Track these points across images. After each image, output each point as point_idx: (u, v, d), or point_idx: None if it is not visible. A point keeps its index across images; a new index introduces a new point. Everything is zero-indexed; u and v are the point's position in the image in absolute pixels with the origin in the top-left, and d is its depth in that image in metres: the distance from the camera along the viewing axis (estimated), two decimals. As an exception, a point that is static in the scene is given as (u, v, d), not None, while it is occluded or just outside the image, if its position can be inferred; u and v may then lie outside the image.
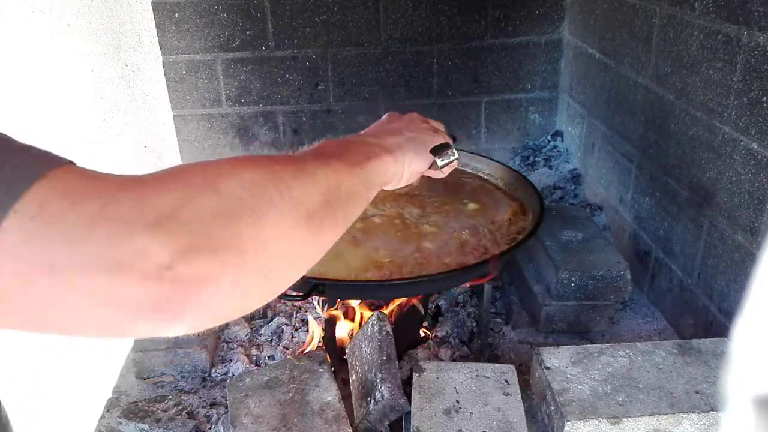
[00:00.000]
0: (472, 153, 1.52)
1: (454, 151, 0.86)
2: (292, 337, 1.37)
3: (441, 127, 0.92)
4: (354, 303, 1.32)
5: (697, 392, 0.98)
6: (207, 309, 0.43)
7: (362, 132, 0.82)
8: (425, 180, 0.93)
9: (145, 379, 1.27)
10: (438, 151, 0.84)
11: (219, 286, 0.43)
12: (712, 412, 0.94)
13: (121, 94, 1.92)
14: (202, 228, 0.42)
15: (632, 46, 1.48)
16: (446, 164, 0.86)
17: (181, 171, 0.46)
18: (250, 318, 1.44)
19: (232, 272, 0.44)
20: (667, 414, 0.94)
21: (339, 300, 1.31)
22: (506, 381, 1.04)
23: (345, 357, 1.17)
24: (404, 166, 0.78)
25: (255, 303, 0.49)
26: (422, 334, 1.34)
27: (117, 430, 1.14)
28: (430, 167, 0.84)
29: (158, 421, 1.12)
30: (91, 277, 0.38)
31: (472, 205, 1.31)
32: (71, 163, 0.43)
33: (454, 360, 1.25)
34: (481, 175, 1.46)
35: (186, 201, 0.43)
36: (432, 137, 0.86)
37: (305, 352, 1.27)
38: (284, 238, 0.49)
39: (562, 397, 0.98)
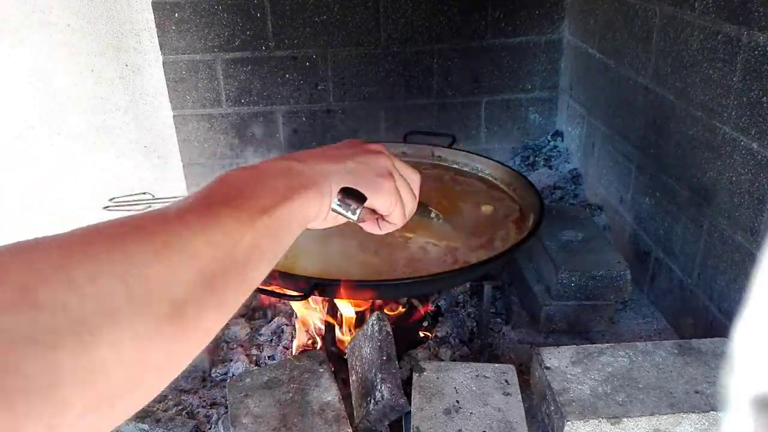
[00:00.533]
0: (472, 153, 1.52)
1: (359, 207, 0.62)
2: (292, 337, 1.37)
3: (414, 182, 0.71)
4: (351, 302, 1.32)
5: (697, 392, 0.98)
6: None
7: (289, 154, 0.63)
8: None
9: (145, 379, 1.27)
10: (345, 194, 0.62)
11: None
12: (712, 412, 0.94)
13: (121, 94, 1.93)
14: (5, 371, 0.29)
15: (632, 46, 1.48)
16: (341, 212, 0.62)
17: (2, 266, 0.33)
18: (250, 318, 1.44)
19: (42, 418, 0.30)
20: (667, 414, 0.94)
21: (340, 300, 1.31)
22: (506, 381, 1.04)
23: (345, 357, 1.17)
24: (329, 205, 0.60)
25: None
26: (422, 335, 1.34)
27: (117, 430, 1.14)
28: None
29: (158, 421, 1.12)
30: None
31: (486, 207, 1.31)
32: None
33: (454, 360, 1.25)
34: (481, 175, 1.46)
35: None
36: (377, 179, 0.65)
37: (300, 352, 1.27)
38: (134, 353, 0.35)
39: (562, 397, 0.98)
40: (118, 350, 0.34)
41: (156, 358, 0.37)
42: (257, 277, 0.48)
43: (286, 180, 0.54)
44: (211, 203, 0.45)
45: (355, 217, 0.62)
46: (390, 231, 0.72)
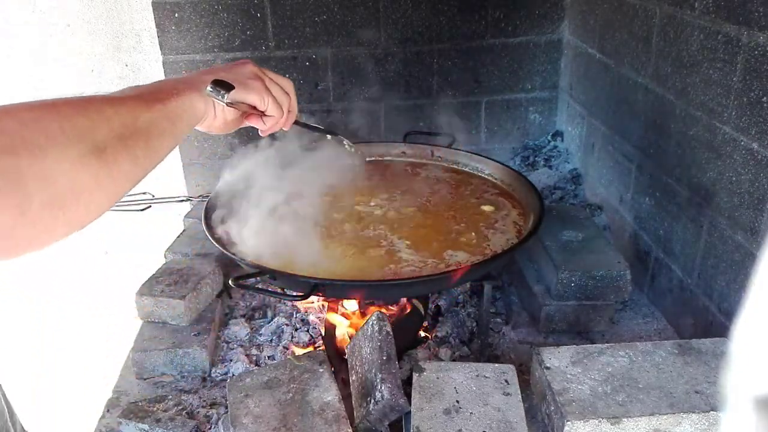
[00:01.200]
0: (472, 153, 1.52)
1: (227, 93, 0.83)
2: (292, 337, 1.37)
3: (285, 85, 0.93)
4: (354, 303, 1.32)
5: (697, 392, 0.98)
6: None
7: (205, 70, 0.87)
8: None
9: (145, 379, 1.27)
10: (216, 83, 0.82)
11: (0, 219, 0.46)
12: (712, 412, 0.94)
13: (121, 94, 1.92)
14: None
15: (632, 46, 1.48)
16: (214, 96, 0.82)
17: None
18: (250, 318, 1.44)
19: (14, 205, 0.47)
20: (667, 414, 0.94)
21: (340, 300, 1.31)
22: (506, 381, 1.04)
23: (345, 357, 1.17)
24: (213, 102, 0.81)
25: (55, 233, 0.53)
26: (422, 334, 1.34)
27: (117, 430, 1.14)
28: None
29: (158, 421, 1.12)
30: None
31: (487, 208, 1.31)
32: None
33: (454, 360, 1.25)
34: (481, 175, 1.46)
35: None
36: (251, 82, 0.87)
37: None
38: (71, 170, 0.53)
39: (562, 397, 0.98)
40: (59, 165, 0.52)
41: (87, 180, 0.55)
42: (160, 146, 0.69)
43: (173, 86, 0.75)
44: (120, 96, 0.65)
45: (224, 100, 0.82)
46: (272, 125, 0.93)
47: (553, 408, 0.99)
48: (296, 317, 1.42)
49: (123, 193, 0.61)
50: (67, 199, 0.53)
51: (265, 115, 0.91)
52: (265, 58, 1.87)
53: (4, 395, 0.82)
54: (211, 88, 0.81)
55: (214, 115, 0.84)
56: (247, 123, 0.94)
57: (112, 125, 0.59)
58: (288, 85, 0.94)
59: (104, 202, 0.58)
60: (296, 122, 1.03)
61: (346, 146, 1.33)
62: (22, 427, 0.87)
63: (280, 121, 0.94)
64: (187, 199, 1.79)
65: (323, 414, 1.00)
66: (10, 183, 0.47)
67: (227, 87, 0.83)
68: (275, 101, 0.90)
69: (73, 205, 0.54)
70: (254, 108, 0.90)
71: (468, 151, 1.53)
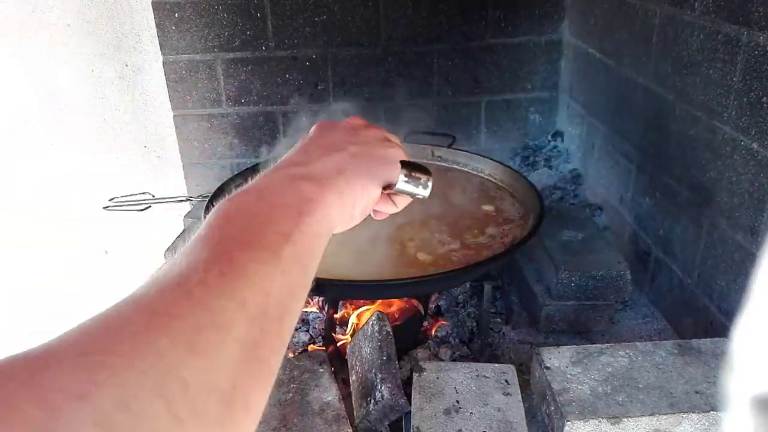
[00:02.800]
0: (472, 153, 1.52)
1: (429, 179, 0.58)
2: (292, 336, 1.36)
3: (396, 140, 0.64)
4: (354, 303, 1.32)
5: (697, 392, 0.98)
6: None
7: (282, 160, 0.54)
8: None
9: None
10: (410, 169, 0.57)
11: None
12: (712, 412, 0.94)
13: (121, 94, 1.93)
14: None
15: (632, 46, 1.48)
16: (411, 191, 0.57)
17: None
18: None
19: None
20: (667, 414, 0.94)
21: (340, 300, 1.31)
22: (506, 381, 1.04)
23: (345, 357, 1.17)
24: (353, 199, 0.52)
25: None
26: (422, 334, 1.34)
27: None
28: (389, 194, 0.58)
29: (158, 421, 1.12)
30: None
31: (487, 207, 1.31)
32: None
33: (454, 360, 1.25)
34: (481, 175, 1.46)
35: None
36: (389, 150, 0.59)
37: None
38: None
39: (562, 397, 0.98)
40: None
41: None
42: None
43: (296, 192, 0.46)
44: (228, 249, 0.38)
45: (427, 192, 0.55)
46: (405, 204, 0.62)
47: (553, 408, 1.00)
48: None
49: None
50: None
51: (395, 194, 0.61)
52: (265, 58, 1.87)
53: None
54: (407, 177, 0.55)
55: (350, 216, 0.53)
56: (377, 209, 0.61)
57: (238, 337, 0.34)
58: (397, 138, 0.65)
59: None
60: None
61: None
62: None
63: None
64: (187, 199, 1.79)
65: (323, 414, 1.00)
66: None
67: (424, 170, 0.57)
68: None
69: None
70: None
71: (468, 151, 1.53)
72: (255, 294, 0.36)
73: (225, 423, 0.31)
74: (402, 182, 0.55)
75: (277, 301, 0.38)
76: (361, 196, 0.53)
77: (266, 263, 0.38)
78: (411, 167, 0.56)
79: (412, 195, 0.57)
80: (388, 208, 0.61)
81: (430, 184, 0.56)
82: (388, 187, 0.57)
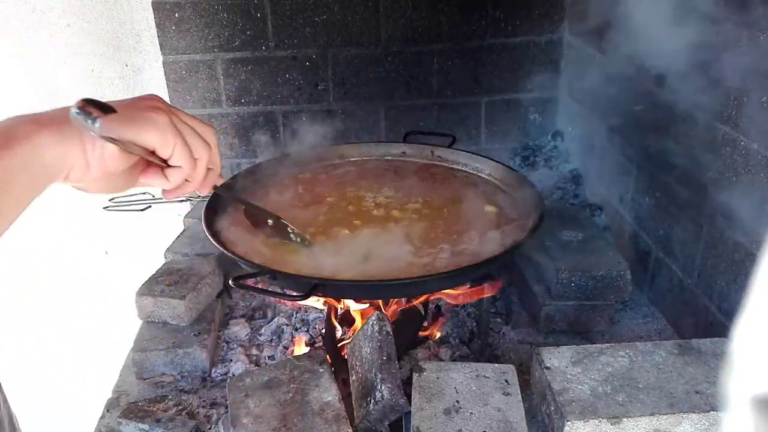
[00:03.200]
0: (472, 153, 1.52)
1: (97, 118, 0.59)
2: (292, 337, 1.37)
3: (205, 131, 0.68)
4: (353, 303, 1.32)
5: (697, 392, 0.98)
6: None
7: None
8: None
9: (145, 379, 1.27)
10: (91, 108, 0.60)
11: None
12: (712, 412, 0.94)
13: (121, 94, 1.93)
14: None
15: (632, 46, 1.48)
16: (82, 124, 0.59)
17: None
18: (250, 318, 1.44)
19: None
20: (667, 414, 0.94)
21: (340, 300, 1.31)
22: (506, 381, 1.04)
23: (345, 357, 1.17)
24: (82, 146, 0.59)
25: None
26: (422, 335, 1.34)
27: (117, 430, 1.14)
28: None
29: (158, 421, 1.12)
30: None
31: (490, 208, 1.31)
32: None
33: (454, 360, 1.25)
34: (481, 175, 1.46)
35: None
36: (151, 115, 0.62)
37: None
38: None
39: (562, 397, 0.98)
40: None
41: None
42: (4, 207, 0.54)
43: (12, 129, 0.55)
44: None
45: (96, 127, 0.58)
46: (179, 182, 0.68)
47: (553, 408, 1.00)
48: (296, 317, 1.42)
49: None
50: None
51: (169, 166, 0.66)
52: (265, 58, 1.87)
53: (5, 401, 0.81)
54: (78, 110, 0.59)
55: (86, 164, 0.60)
56: (143, 180, 0.69)
57: None
58: (209, 132, 0.69)
59: None
60: (229, 194, 0.78)
61: (292, 236, 1.11)
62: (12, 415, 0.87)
63: (194, 177, 0.69)
64: (187, 199, 1.79)
65: (323, 414, 1.00)
66: None
67: (104, 108, 0.60)
68: (185, 146, 0.64)
69: None
70: (152, 154, 0.64)
71: (468, 151, 1.53)
72: None
73: None
74: (73, 112, 0.59)
75: None
76: (92, 147, 0.60)
77: None
78: (91, 102, 0.60)
79: (82, 126, 0.59)
80: (156, 179, 0.67)
81: (99, 121, 0.59)
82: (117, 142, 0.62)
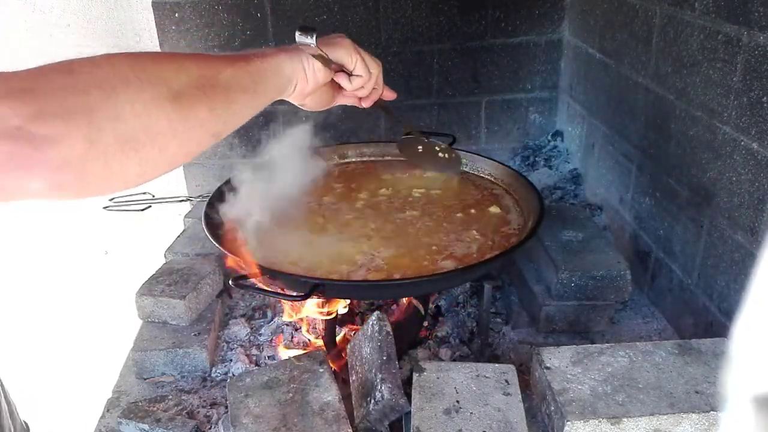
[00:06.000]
0: (472, 153, 1.52)
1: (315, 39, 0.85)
2: (292, 337, 1.37)
3: (375, 59, 0.97)
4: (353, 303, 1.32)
5: (697, 392, 0.98)
6: (64, 168, 0.50)
7: None
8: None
9: (145, 379, 1.27)
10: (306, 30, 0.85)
11: (70, 147, 0.50)
12: (712, 412, 0.94)
13: (121, 94, 1.92)
14: (53, 98, 0.51)
15: (632, 46, 1.48)
16: (316, 50, 0.85)
17: (53, 63, 0.55)
18: (250, 318, 1.44)
19: (83, 135, 0.51)
20: (667, 414, 0.94)
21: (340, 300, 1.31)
22: (506, 381, 1.04)
23: (345, 357, 1.17)
24: (302, 64, 0.83)
25: (128, 174, 0.56)
26: (422, 334, 1.34)
27: (117, 430, 1.14)
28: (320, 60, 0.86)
29: (158, 421, 1.12)
30: None
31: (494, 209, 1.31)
32: None
33: (454, 360, 1.25)
34: (481, 174, 1.46)
35: (41, 76, 0.52)
36: (340, 40, 0.92)
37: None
38: (144, 112, 0.55)
39: (562, 397, 0.98)
40: (132, 106, 0.54)
41: (161, 123, 0.57)
42: (241, 103, 0.69)
43: (269, 49, 0.80)
44: (216, 54, 0.68)
45: (313, 41, 0.84)
46: (358, 87, 0.96)
47: (553, 408, 1.00)
48: (296, 317, 1.42)
49: (199, 144, 0.62)
50: (139, 139, 0.55)
51: (352, 75, 0.95)
52: (265, 58, 1.87)
53: (4, 392, 0.82)
54: (300, 32, 0.84)
55: (305, 78, 0.84)
56: (338, 101, 0.99)
57: (190, 75, 0.61)
58: (377, 60, 0.98)
59: (179, 151, 0.60)
60: (381, 106, 1.07)
61: (440, 154, 1.38)
62: (23, 424, 0.87)
63: (368, 85, 0.97)
64: (187, 199, 1.79)
65: (323, 414, 1.00)
66: (78, 115, 0.51)
67: (313, 29, 0.85)
68: (363, 62, 0.94)
69: (146, 147, 0.55)
70: (341, 70, 0.94)
71: (468, 151, 1.53)
72: (207, 65, 0.65)
73: (170, 101, 0.58)
74: (297, 35, 0.85)
75: (225, 78, 0.66)
76: (310, 67, 0.85)
77: (223, 62, 0.68)
78: (304, 28, 0.85)
79: (304, 44, 0.86)
80: (343, 79, 0.95)
81: (314, 36, 0.85)
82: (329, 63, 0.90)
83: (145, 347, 1.26)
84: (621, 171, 1.60)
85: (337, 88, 0.98)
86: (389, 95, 1.07)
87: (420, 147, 1.38)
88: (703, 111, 1.20)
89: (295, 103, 0.91)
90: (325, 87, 0.93)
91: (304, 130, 1.24)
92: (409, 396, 1.01)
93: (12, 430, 0.84)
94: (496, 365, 1.08)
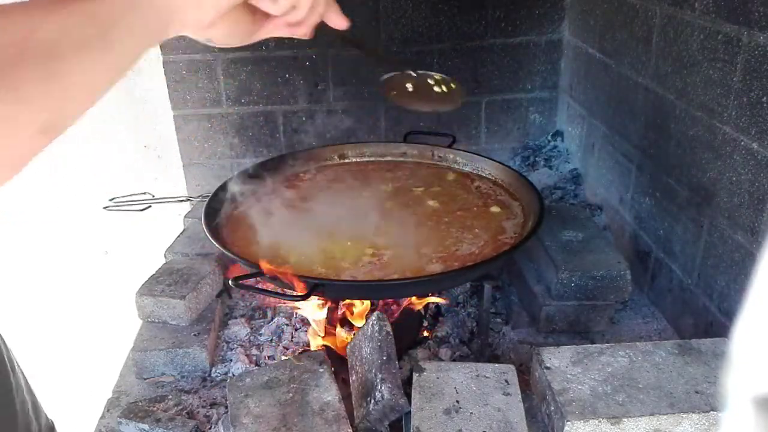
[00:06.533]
0: (472, 153, 1.52)
1: None
2: (292, 337, 1.37)
3: None
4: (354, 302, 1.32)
5: (697, 392, 0.98)
6: None
7: None
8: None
9: (145, 379, 1.27)
10: None
11: None
12: (712, 412, 0.94)
13: (121, 95, 1.93)
14: None
15: (632, 46, 1.48)
16: None
17: None
18: (250, 318, 1.44)
19: None
20: (667, 414, 0.94)
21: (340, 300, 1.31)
22: (506, 381, 1.04)
23: (345, 357, 1.17)
24: None
25: None
26: (422, 334, 1.33)
27: (117, 430, 1.14)
28: None
29: (158, 421, 1.12)
30: None
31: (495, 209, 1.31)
32: None
33: (454, 360, 1.25)
34: (481, 174, 1.46)
35: None
36: None
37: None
38: None
39: (562, 397, 0.98)
40: None
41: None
42: (81, 64, 0.46)
43: None
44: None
45: None
46: (286, 6, 0.68)
47: (553, 408, 1.00)
48: (296, 317, 1.42)
49: (13, 149, 0.44)
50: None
51: None
52: (265, 58, 1.87)
53: (27, 386, 0.81)
54: None
55: (197, 2, 0.58)
56: (264, 31, 0.70)
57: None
58: None
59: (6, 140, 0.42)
60: (343, 37, 0.77)
61: (435, 88, 1.09)
62: (47, 417, 0.87)
63: (300, 6, 0.69)
64: (187, 199, 1.79)
65: (323, 414, 1.00)
66: None
67: None
68: None
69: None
70: None
71: (468, 151, 1.53)
72: (19, 23, 0.44)
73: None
74: None
75: (45, 39, 0.44)
76: None
77: (41, 10, 0.45)
78: None
79: None
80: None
81: None
82: None
83: (145, 347, 1.26)
84: (621, 171, 1.60)
85: (259, 12, 0.70)
86: (338, 22, 0.80)
87: (409, 84, 1.10)
88: (703, 111, 1.20)
89: (199, 39, 0.66)
90: (239, 12, 0.67)
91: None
92: (409, 396, 1.01)
93: (35, 424, 0.83)
94: (496, 365, 1.08)
